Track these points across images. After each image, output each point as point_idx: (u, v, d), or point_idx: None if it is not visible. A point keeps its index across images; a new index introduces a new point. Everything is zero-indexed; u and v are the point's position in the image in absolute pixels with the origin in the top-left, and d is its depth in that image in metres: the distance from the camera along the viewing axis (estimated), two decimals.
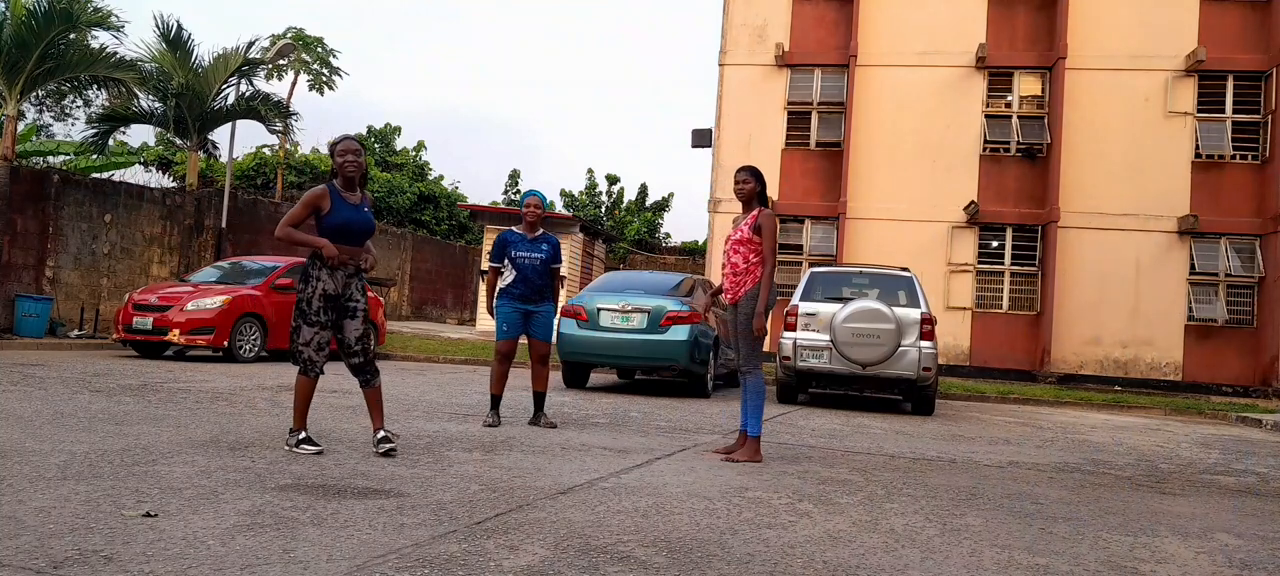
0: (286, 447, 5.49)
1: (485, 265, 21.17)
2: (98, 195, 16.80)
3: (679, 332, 10.94)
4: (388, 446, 5.52)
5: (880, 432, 8.53)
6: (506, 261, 7.32)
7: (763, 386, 6.28)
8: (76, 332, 15.71)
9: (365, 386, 5.68)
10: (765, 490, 5.07)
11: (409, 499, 4.26)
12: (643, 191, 36.42)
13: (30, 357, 11.61)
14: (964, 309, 18.52)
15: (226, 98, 19.17)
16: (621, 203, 36.11)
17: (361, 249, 5.70)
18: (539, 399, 7.49)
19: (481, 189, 70.08)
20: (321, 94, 36.69)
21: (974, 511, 4.86)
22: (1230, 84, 18.07)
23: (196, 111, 18.64)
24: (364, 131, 37.91)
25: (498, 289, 7.40)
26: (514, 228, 7.51)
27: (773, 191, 18.99)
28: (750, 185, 6.29)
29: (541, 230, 7.47)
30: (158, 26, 18.21)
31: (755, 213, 6.24)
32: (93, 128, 18.81)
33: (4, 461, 4.59)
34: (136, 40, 57.07)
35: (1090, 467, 7.01)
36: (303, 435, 5.50)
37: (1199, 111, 18.13)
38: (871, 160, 18.83)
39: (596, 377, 13.55)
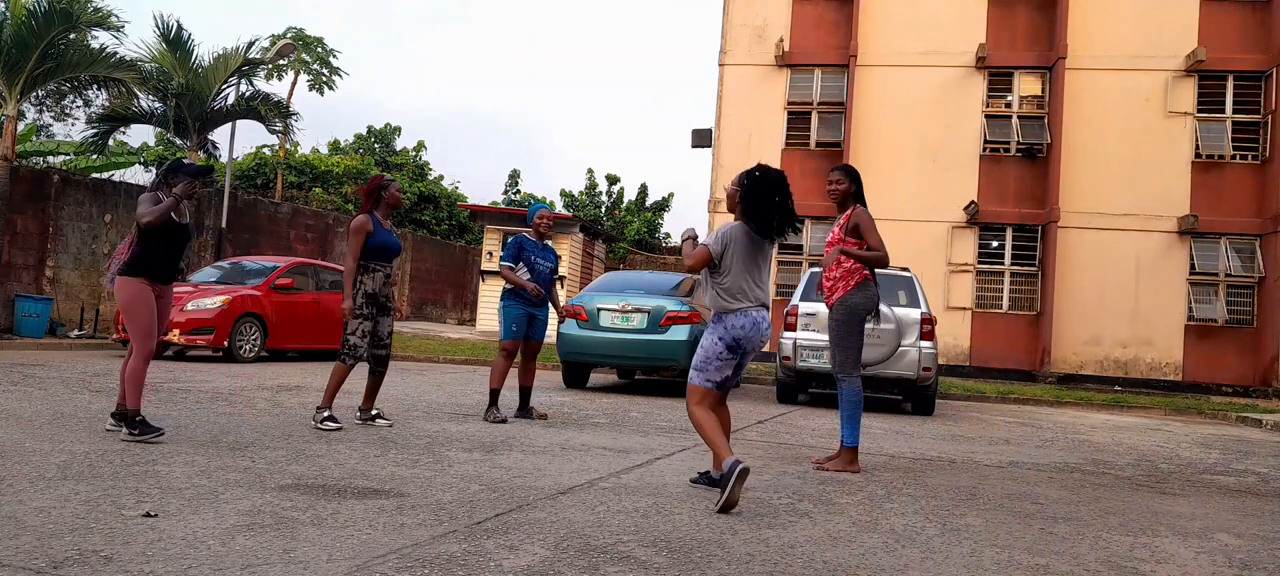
0: (314, 423, 6.43)
1: (489, 265, 21.22)
2: (98, 195, 16.79)
3: (679, 332, 10.94)
4: (385, 422, 6.76)
5: (880, 432, 8.53)
6: (522, 265, 7.78)
7: (857, 393, 6.00)
8: (76, 333, 15.70)
9: (375, 373, 6.80)
10: (765, 490, 5.07)
11: (409, 499, 4.27)
12: (643, 191, 36.39)
13: (30, 357, 11.61)
14: (964, 309, 18.51)
15: (226, 98, 19.16)
16: (621, 203, 36.08)
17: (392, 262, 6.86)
18: (527, 393, 7.95)
19: (481, 189, 70.09)
20: (321, 94, 36.66)
21: (974, 511, 4.87)
22: (1230, 84, 18.07)
23: (196, 111, 18.63)
24: (364, 131, 37.90)
25: (506, 289, 7.84)
26: (524, 233, 7.95)
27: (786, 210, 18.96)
28: (844, 186, 6.03)
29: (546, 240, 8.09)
30: (158, 26, 18.21)
31: (849, 212, 6.00)
32: (93, 128, 18.78)
33: (4, 461, 4.59)
34: (136, 40, 57.09)
35: (1090, 467, 7.01)
36: (327, 413, 6.45)
37: (1199, 111, 18.13)
38: (871, 160, 18.80)
39: (596, 377, 13.55)
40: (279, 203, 23.89)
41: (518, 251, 7.77)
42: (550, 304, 8.00)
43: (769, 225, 4.88)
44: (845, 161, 18.79)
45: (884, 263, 5.96)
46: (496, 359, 7.74)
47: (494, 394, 7.63)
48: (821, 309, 10.98)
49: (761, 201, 4.88)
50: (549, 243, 8.13)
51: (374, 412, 6.86)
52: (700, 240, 5.07)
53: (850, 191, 6.06)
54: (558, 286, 8.26)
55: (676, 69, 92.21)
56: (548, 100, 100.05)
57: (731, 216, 5.05)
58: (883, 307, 10.57)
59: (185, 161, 5.92)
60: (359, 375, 7.47)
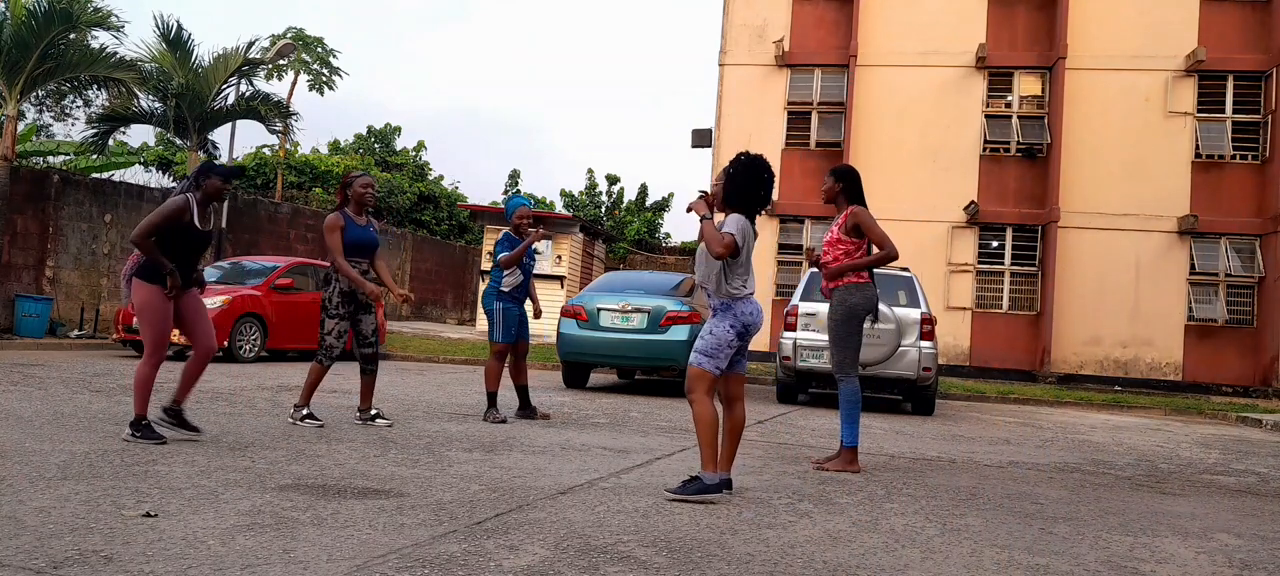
0: (290, 420, 6.53)
1: (490, 265, 21.21)
2: (98, 195, 16.79)
3: (679, 332, 10.94)
4: (385, 421, 6.75)
5: (880, 432, 8.53)
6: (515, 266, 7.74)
7: (856, 393, 6.00)
8: (76, 333, 15.70)
9: (367, 372, 6.81)
10: (765, 490, 5.08)
11: (409, 499, 4.27)
12: (643, 191, 36.40)
13: (30, 357, 11.61)
14: (964, 309, 18.51)
15: (226, 98, 19.15)
16: (621, 203, 36.08)
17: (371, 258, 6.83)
18: (525, 392, 7.95)
19: (481, 189, 70.10)
20: (321, 94, 36.67)
21: (974, 511, 4.87)
22: (1230, 84, 18.07)
23: (196, 111, 18.63)
24: (364, 131, 37.88)
25: (501, 290, 7.75)
26: (509, 233, 7.87)
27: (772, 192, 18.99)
28: (829, 186, 6.12)
29: None
30: (158, 26, 18.19)
31: (847, 212, 6.04)
32: (93, 128, 18.77)
33: (4, 461, 4.59)
34: (136, 40, 57.07)
35: (1090, 467, 7.01)
36: (305, 411, 6.54)
37: (1199, 111, 18.13)
38: (871, 160, 18.80)
39: (596, 377, 13.55)
40: (279, 203, 23.88)
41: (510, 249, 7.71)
42: (529, 299, 8.00)
43: (759, 201, 4.94)
44: (845, 161, 18.80)
45: (892, 256, 5.98)
46: (490, 361, 7.72)
47: (492, 396, 7.63)
48: (821, 309, 10.98)
49: (751, 182, 4.92)
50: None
51: (373, 412, 6.86)
52: (724, 227, 4.91)
53: (840, 191, 6.10)
54: (560, 285, 8.21)
55: (676, 69, 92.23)
56: (548, 100, 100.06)
57: (720, 214, 5.01)
58: (882, 307, 10.57)
59: (217, 163, 5.85)
60: (350, 376, 7.47)
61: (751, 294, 4.87)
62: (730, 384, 4.93)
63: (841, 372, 6.04)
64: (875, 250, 6.02)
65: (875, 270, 6.24)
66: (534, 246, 8.05)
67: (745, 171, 4.93)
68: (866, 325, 6.25)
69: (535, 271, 8.21)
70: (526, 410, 7.87)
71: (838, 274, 6.00)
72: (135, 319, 5.68)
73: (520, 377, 7.95)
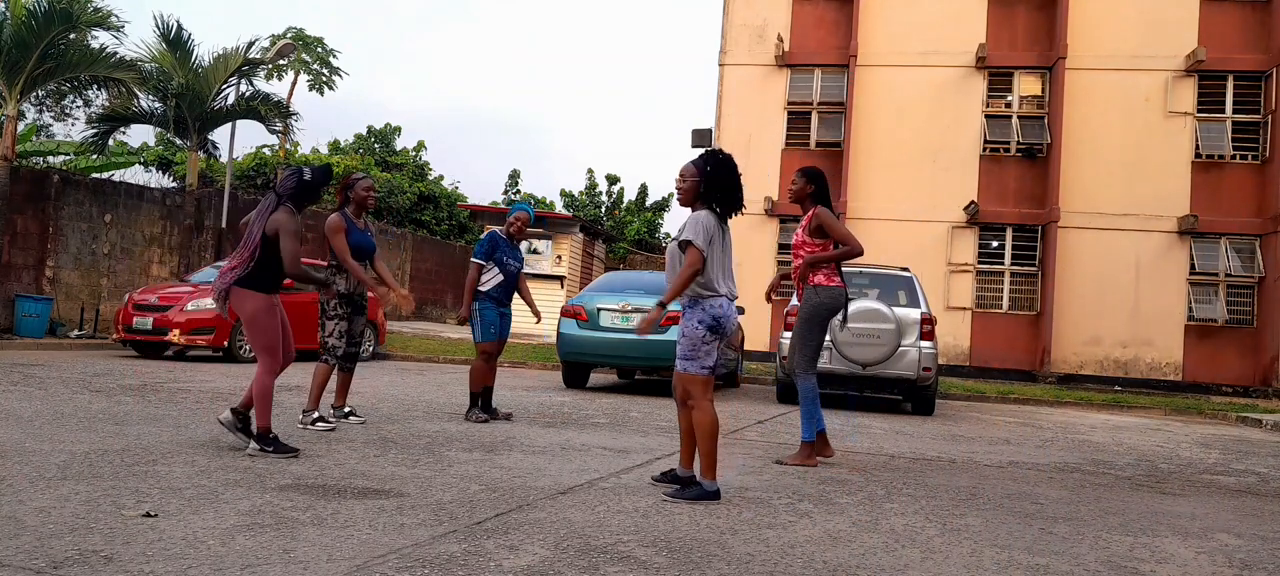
0: (300, 425, 6.40)
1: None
2: (98, 195, 16.79)
3: (679, 333, 10.92)
4: (356, 419, 6.84)
5: (880, 432, 8.53)
6: (493, 263, 7.66)
7: (809, 390, 6.07)
8: (76, 333, 15.70)
9: (345, 370, 6.86)
10: (765, 490, 5.08)
11: (409, 499, 4.27)
12: (643, 191, 36.42)
13: (30, 357, 11.61)
14: (964, 309, 18.51)
15: (226, 98, 19.15)
16: (621, 203, 36.09)
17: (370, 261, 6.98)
18: (489, 393, 7.75)
19: (481, 189, 70.11)
20: (321, 94, 36.75)
21: (974, 511, 4.87)
22: (1230, 84, 18.06)
23: (196, 111, 18.62)
24: (364, 131, 37.90)
25: (479, 289, 7.66)
26: (498, 231, 7.86)
27: (772, 191, 19.00)
28: (799, 186, 6.17)
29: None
30: (158, 26, 18.19)
31: (811, 213, 6.09)
32: (93, 128, 18.77)
33: (4, 461, 4.59)
34: (136, 40, 57.08)
35: (1090, 467, 7.01)
36: (316, 415, 6.47)
37: (1199, 111, 18.12)
38: (872, 160, 18.83)
39: (596, 377, 13.55)
40: None
41: (493, 249, 7.63)
42: (521, 298, 7.94)
43: (736, 202, 4.86)
44: (846, 162, 18.81)
45: (857, 253, 6.06)
46: (476, 362, 7.65)
47: (474, 397, 7.56)
48: None
49: (729, 182, 4.83)
50: (527, 245, 8.04)
51: (346, 409, 6.89)
52: (684, 229, 4.81)
53: (808, 192, 6.16)
54: (560, 285, 8.17)
55: (677, 69, 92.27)
56: (548, 100, 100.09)
57: (689, 209, 4.92)
58: (882, 307, 10.57)
59: (305, 166, 5.71)
60: (354, 379, 7.47)
61: (722, 297, 4.79)
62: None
63: (797, 370, 6.13)
64: (844, 239, 6.06)
65: (870, 270, 6.28)
66: (533, 246, 8.05)
67: (717, 169, 4.83)
68: (837, 322, 6.35)
69: (533, 272, 8.18)
70: (492, 413, 7.69)
71: (811, 265, 6.08)
72: (247, 330, 5.44)
73: (492, 379, 7.77)
